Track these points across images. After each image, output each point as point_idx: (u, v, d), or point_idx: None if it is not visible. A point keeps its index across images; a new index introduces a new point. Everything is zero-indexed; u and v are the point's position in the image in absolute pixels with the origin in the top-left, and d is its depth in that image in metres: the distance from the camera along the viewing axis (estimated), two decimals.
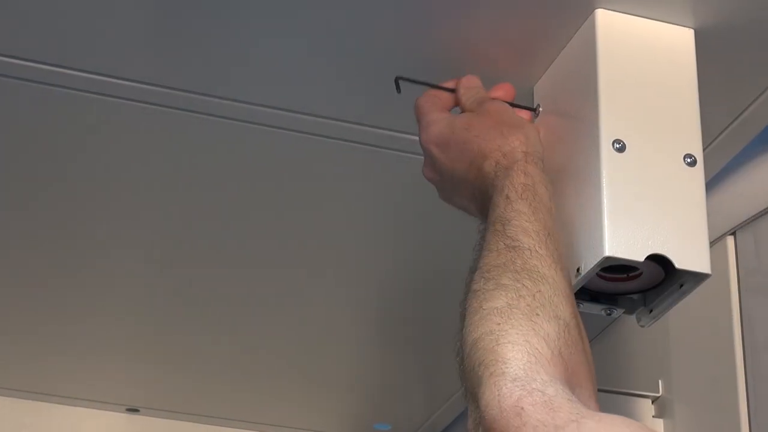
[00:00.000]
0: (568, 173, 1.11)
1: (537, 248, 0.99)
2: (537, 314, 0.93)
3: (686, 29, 1.13)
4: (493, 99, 1.15)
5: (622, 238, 1.03)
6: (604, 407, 1.53)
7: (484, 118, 1.12)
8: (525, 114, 1.17)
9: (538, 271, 0.97)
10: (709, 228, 1.06)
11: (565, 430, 0.82)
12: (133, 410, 2.20)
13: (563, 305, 0.95)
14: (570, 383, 0.90)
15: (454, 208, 1.16)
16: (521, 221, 1.01)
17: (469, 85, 1.17)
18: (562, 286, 0.97)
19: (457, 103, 1.18)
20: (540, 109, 1.17)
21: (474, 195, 1.10)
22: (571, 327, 0.95)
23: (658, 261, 1.03)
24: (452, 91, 1.18)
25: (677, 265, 1.03)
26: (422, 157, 1.17)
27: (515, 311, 0.93)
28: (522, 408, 0.85)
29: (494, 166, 1.07)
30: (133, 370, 2.03)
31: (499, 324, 0.92)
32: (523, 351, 0.89)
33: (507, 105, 1.15)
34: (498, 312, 0.93)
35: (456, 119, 1.14)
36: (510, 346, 0.90)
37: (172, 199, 1.51)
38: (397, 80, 1.18)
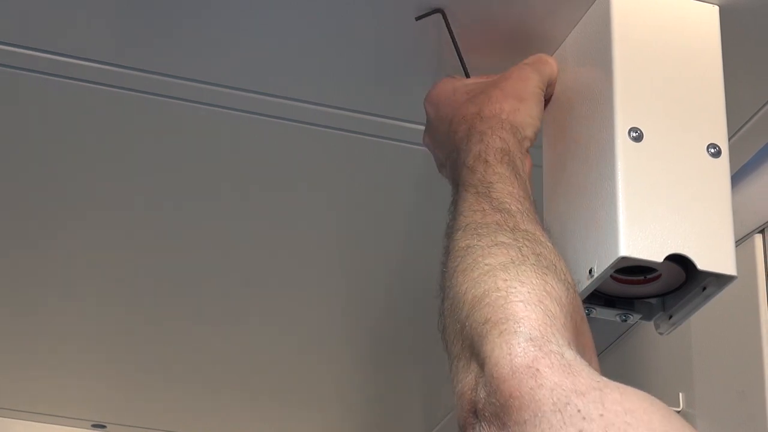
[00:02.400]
0: (579, 165, 1.11)
1: (525, 212, 1.00)
2: (546, 274, 0.93)
3: (711, 5, 1.13)
4: (523, 65, 1.16)
5: (639, 236, 1.02)
6: None
7: (494, 84, 1.14)
8: None
9: (534, 234, 0.97)
10: (735, 225, 1.05)
11: (587, 397, 0.81)
12: (99, 426, 2.20)
13: (565, 270, 0.96)
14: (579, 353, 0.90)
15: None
16: (505, 185, 1.02)
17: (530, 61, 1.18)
18: (558, 254, 0.98)
19: None
20: None
21: (448, 158, 1.12)
22: (576, 295, 0.95)
23: (679, 262, 1.03)
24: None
25: (699, 267, 1.03)
26: (420, 148, 1.19)
27: (523, 268, 0.93)
28: (538, 369, 0.84)
29: (467, 129, 1.09)
30: (100, 383, 2.03)
31: (507, 281, 0.91)
32: (538, 311, 0.89)
33: (535, 76, 1.15)
34: (503, 268, 0.93)
35: (462, 82, 1.17)
36: (522, 305, 0.89)
37: (143, 199, 1.52)
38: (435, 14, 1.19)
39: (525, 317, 0.88)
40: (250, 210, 1.53)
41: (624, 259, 1.02)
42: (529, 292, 0.90)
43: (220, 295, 1.72)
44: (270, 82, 1.30)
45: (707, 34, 1.12)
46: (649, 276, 1.06)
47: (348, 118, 1.33)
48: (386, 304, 1.72)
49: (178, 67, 1.29)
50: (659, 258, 1.02)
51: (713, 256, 1.03)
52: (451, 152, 1.12)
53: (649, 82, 1.08)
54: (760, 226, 1.42)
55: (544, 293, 0.91)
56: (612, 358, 1.68)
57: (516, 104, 1.10)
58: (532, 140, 1.11)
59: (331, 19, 1.21)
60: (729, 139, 1.09)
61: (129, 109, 1.35)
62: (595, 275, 1.04)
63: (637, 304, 1.11)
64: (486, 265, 0.94)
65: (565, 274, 0.95)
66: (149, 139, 1.41)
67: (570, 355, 0.86)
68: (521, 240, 0.96)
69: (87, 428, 2.20)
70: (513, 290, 0.91)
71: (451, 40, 1.19)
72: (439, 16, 1.18)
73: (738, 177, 1.36)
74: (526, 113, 1.11)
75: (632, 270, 1.05)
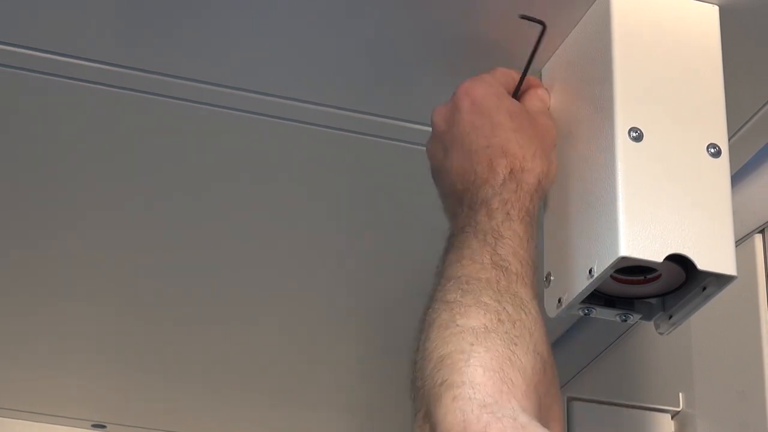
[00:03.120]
0: (579, 165, 1.11)
1: (524, 276, 1.00)
2: (515, 343, 0.93)
3: (711, 5, 1.13)
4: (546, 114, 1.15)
5: (639, 236, 1.02)
6: (619, 423, 1.54)
7: (530, 122, 1.12)
8: None
9: (522, 299, 0.98)
10: (735, 225, 1.05)
11: None
12: (99, 426, 2.20)
13: (542, 341, 0.96)
14: (542, 423, 0.90)
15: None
16: (515, 243, 1.02)
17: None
18: (542, 323, 0.98)
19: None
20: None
21: (465, 179, 1.09)
22: (548, 366, 0.96)
23: (679, 262, 1.03)
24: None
25: (700, 267, 1.03)
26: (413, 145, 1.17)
27: (492, 335, 0.93)
28: None
29: (508, 171, 1.07)
30: (100, 383, 2.03)
31: (473, 345, 0.92)
32: (496, 378, 0.89)
33: (551, 123, 1.14)
34: (473, 332, 0.93)
35: (508, 99, 1.13)
36: (481, 370, 0.90)
37: (143, 199, 1.52)
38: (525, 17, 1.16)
39: (481, 383, 0.89)
40: (250, 210, 1.53)
41: (624, 259, 1.02)
42: (491, 359, 0.91)
43: (220, 295, 1.72)
44: (270, 82, 1.30)
45: (707, 34, 1.12)
46: (649, 276, 1.06)
47: (348, 118, 1.33)
48: (387, 304, 1.71)
49: (178, 67, 1.28)
50: (659, 258, 1.02)
51: (713, 256, 1.03)
52: (474, 176, 1.08)
53: (649, 82, 1.08)
54: (760, 226, 1.41)
55: (508, 362, 0.91)
56: (612, 358, 1.68)
57: (547, 166, 1.10)
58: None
59: (331, 19, 1.20)
60: (729, 139, 1.09)
61: (129, 109, 1.35)
62: (595, 275, 1.04)
63: (637, 304, 1.11)
64: (458, 325, 0.94)
65: (540, 346, 0.95)
66: (149, 139, 1.41)
67: (524, 419, 0.87)
68: (505, 303, 0.96)
69: (87, 428, 2.19)
70: (476, 355, 0.91)
71: (530, 54, 1.15)
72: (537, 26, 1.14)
73: (738, 177, 1.36)
74: (553, 173, 1.11)
75: (632, 270, 1.05)
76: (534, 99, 1.16)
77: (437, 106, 1.15)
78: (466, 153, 1.09)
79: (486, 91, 1.12)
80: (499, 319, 0.94)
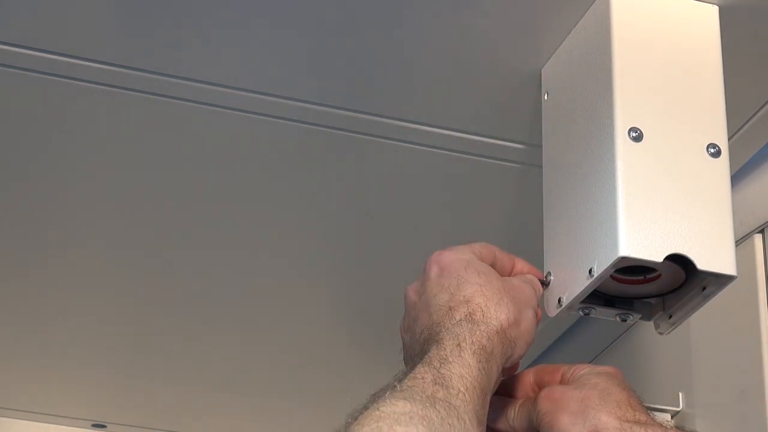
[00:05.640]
0: (579, 165, 1.11)
1: (466, 397, 0.95)
2: None
3: (711, 5, 1.13)
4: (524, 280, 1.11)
5: (639, 236, 1.02)
6: None
7: (501, 280, 1.08)
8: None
9: (459, 411, 0.92)
10: (734, 225, 1.05)
11: None
12: (99, 426, 2.20)
13: None
14: None
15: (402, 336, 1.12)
16: (463, 370, 0.97)
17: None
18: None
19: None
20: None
21: (423, 329, 1.05)
22: None
23: (679, 262, 1.03)
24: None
25: (699, 267, 1.03)
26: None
27: (414, 421, 0.88)
28: None
29: (465, 314, 1.03)
30: (100, 383, 2.03)
31: (391, 427, 0.87)
32: None
33: (534, 296, 1.10)
34: (393, 416, 0.88)
35: (478, 262, 1.09)
36: None
37: (143, 199, 1.52)
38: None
39: None
40: (249, 210, 1.53)
41: (624, 259, 1.02)
42: None
43: (220, 296, 1.72)
44: (270, 82, 1.30)
45: (707, 34, 1.12)
46: (648, 276, 1.06)
47: (349, 119, 1.33)
48: (387, 304, 1.71)
49: (178, 67, 1.28)
50: (659, 258, 1.02)
51: (713, 256, 1.03)
52: (431, 325, 1.05)
53: (649, 82, 1.08)
54: (759, 226, 1.41)
55: None
56: (612, 358, 1.68)
57: (515, 317, 1.04)
58: (516, 361, 1.06)
59: (331, 19, 1.20)
60: (729, 139, 1.09)
61: (129, 109, 1.35)
62: (595, 275, 1.04)
63: (637, 304, 1.11)
64: (379, 410, 0.89)
65: None
66: (149, 138, 1.41)
67: None
68: (438, 407, 0.91)
69: (87, 428, 2.19)
70: None
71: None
72: None
73: (738, 177, 1.36)
74: (525, 330, 1.05)
75: (632, 270, 1.05)
76: (518, 275, 1.13)
77: (409, 285, 1.13)
78: (430, 310, 1.06)
79: (455, 257, 1.09)
80: (424, 415, 0.89)
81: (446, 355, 0.98)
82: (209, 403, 2.07)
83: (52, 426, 2.19)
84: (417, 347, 1.05)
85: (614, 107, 1.07)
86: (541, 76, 1.22)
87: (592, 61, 1.13)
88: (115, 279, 1.70)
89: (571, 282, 1.08)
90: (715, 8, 1.13)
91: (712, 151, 1.07)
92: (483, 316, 1.03)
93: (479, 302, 1.04)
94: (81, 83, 1.30)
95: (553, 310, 1.10)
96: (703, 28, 1.12)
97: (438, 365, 0.97)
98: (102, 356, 1.94)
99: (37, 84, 1.31)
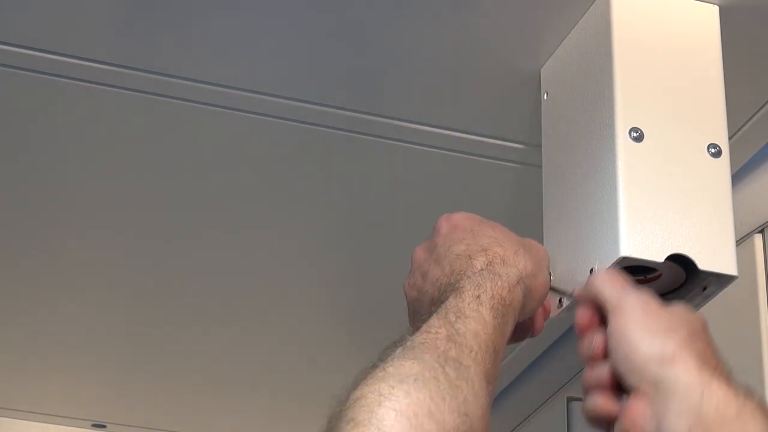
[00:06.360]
0: (579, 165, 1.11)
1: (478, 357, 0.93)
2: (443, 398, 0.86)
3: (711, 5, 1.13)
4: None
5: (640, 236, 1.02)
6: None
7: (516, 236, 1.07)
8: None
9: (469, 372, 0.91)
10: (735, 225, 1.05)
11: None
12: (99, 426, 2.20)
13: (477, 414, 0.89)
14: None
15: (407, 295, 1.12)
16: (478, 326, 0.95)
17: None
18: (485, 405, 0.91)
19: None
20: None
21: (441, 282, 1.03)
22: None
23: (679, 262, 1.03)
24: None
25: (700, 267, 1.03)
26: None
27: (420, 384, 0.86)
28: None
29: (486, 263, 1.02)
30: (100, 383, 2.03)
31: (393, 388, 0.86)
32: (407, 424, 0.84)
33: (544, 250, 1.09)
34: (398, 377, 0.87)
35: (490, 221, 1.09)
36: (394, 413, 0.84)
37: (143, 199, 1.52)
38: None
39: (389, 427, 0.83)
40: (250, 210, 1.53)
41: (625, 259, 1.02)
42: (408, 405, 0.85)
43: (220, 296, 1.72)
44: (270, 82, 1.30)
45: (707, 34, 1.12)
46: (649, 276, 1.06)
47: (349, 119, 1.33)
48: (387, 304, 1.71)
49: (178, 67, 1.28)
50: (660, 258, 1.02)
51: (714, 256, 1.03)
52: (450, 274, 1.03)
53: (649, 82, 1.08)
54: (760, 226, 1.41)
55: (427, 413, 0.85)
56: None
57: (533, 269, 1.04)
58: (529, 315, 1.05)
59: (331, 19, 1.20)
60: (729, 139, 1.09)
61: (129, 109, 1.35)
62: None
63: None
64: (384, 370, 0.88)
65: (473, 413, 0.88)
66: (149, 139, 1.40)
67: None
68: (447, 368, 0.89)
69: (87, 428, 2.20)
70: (393, 398, 0.85)
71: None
72: None
73: (738, 177, 1.36)
74: (541, 284, 1.05)
75: (632, 270, 1.05)
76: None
77: (417, 246, 1.12)
78: (445, 261, 1.05)
79: (465, 215, 1.09)
80: (434, 376, 0.87)
81: (464, 307, 0.96)
82: (209, 403, 2.07)
83: (52, 426, 2.19)
84: (427, 300, 1.04)
85: (615, 107, 1.07)
86: (540, 76, 1.22)
87: (592, 61, 1.12)
88: (115, 279, 1.70)
89: (572, 282, 1.07)
90: (715, 8, 1.13)
91: (713, 151, 1.07)
92: (503, 263, 1.02)
93: (497, 251, 1.03)
94: (81, 83, 1.30)
95: (553, 311, 1.10)
96: (703, 28, 1.12)
97: (454, 319, 0.95)
98: (102, 356, 1.94)
99: (37, 84, 1.31)
